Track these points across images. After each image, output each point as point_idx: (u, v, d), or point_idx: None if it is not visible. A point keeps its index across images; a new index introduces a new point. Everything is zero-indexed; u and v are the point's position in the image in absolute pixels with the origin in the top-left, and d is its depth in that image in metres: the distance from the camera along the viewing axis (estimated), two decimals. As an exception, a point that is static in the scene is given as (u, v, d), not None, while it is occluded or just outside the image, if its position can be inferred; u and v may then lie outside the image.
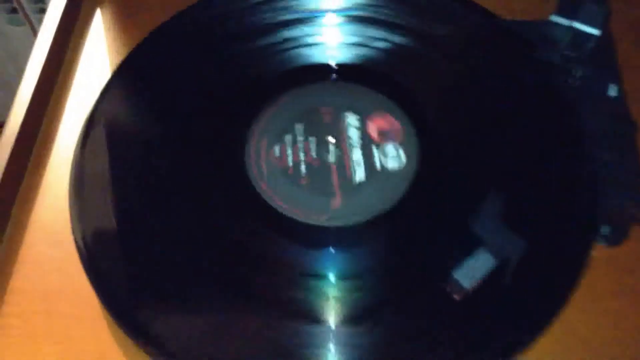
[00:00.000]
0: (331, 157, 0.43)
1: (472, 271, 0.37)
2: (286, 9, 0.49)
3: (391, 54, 0.46)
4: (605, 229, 0.40)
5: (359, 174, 0.42)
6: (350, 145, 0.43)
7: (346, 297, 0.37)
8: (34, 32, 0.93)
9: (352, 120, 0.44)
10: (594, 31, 0.45)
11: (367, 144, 0.43)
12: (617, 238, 0.40)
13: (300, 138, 0.43)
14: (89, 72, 0.50)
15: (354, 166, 0.42)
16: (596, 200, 0.40)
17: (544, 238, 0.38)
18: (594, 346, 0.37)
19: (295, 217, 0.40)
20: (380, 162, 0.42)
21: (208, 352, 0.36)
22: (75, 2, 0.53)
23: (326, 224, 0.40)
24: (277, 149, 0.43)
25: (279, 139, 0.43)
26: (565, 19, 0.46)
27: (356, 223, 0.40)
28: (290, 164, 0.42)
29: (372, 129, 0.44)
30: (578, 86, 0.45)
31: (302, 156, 0.43)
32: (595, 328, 0.38)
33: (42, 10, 0.89)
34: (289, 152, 0.43)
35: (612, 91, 0.45)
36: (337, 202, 0.41)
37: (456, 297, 0.37)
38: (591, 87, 0.45)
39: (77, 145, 0.43)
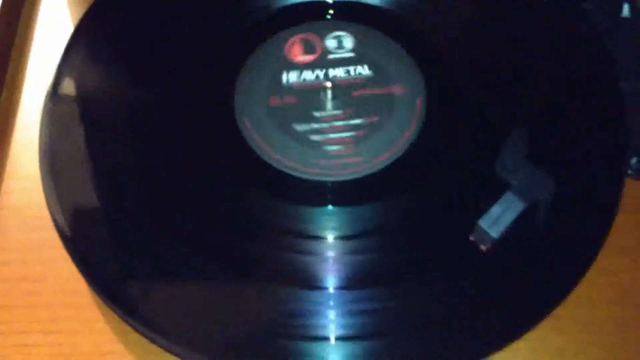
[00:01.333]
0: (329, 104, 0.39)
1: (499, 218, 0.33)
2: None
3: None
4: (634, 160, 0.37)
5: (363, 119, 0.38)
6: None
7: (355, 258, 0.34)
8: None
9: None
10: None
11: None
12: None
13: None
14: (49, 30, 0.45)
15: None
16: (625, 132, 0.36)
17: (574, 175, 0.35)
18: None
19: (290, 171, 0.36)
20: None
21: (201, 325, 0.32)
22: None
23: (328, 178, 0.36)
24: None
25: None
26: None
27: (363, 175, 0.36)
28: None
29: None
30: (593, 10, 0.41)
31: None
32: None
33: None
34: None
35: (626, 11, 0.42)
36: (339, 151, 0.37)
37: (483, 247, 0.33)
38: (605, 9, 0.42)
39: (42, 118, 0.38)
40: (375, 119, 0.38)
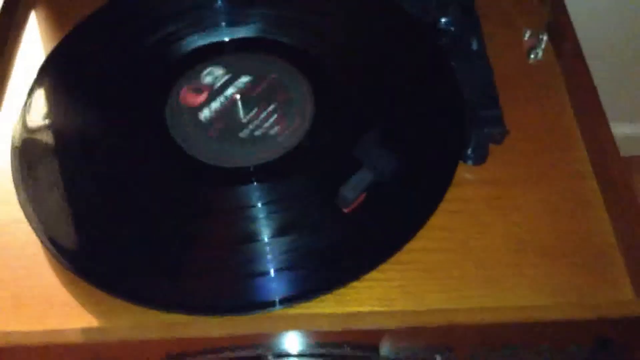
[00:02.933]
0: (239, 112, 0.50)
1: (354, 187, 0.44)
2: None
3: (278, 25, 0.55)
4: (469, 150, 0.48)
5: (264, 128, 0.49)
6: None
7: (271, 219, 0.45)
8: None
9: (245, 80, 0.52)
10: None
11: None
12: (480, 157, 0.48)
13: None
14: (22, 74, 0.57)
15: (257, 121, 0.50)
16: (462, 128, 0.48)
17: (417, 159, 0.46)
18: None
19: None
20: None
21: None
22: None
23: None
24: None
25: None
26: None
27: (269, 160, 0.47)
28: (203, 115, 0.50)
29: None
30: (448, 42, 0.54)
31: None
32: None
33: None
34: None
35: (475, 45, 0.54)
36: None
37: (344, 209, 0.44)
38: (457, 41, 0.54)
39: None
40: (284, 97, 0.50)
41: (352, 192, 0.44)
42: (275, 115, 0.50)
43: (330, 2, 0.57)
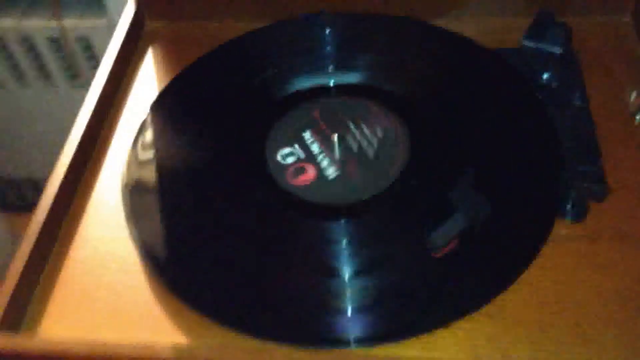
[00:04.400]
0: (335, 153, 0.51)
1: (447, 232, 0.44)
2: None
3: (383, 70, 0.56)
4: (568, 206, 0.47)
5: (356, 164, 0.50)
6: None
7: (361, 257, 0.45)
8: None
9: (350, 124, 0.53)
10: (558, 49, 0.54)
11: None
12: (579, 214, 0.47)
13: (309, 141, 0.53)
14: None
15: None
16: (560, 182, 0.47)
17: (512, 210, 0.46)
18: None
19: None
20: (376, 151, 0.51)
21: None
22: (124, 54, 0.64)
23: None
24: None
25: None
26: (534, 41, 0.55)
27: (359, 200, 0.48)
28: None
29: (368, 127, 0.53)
30: (548, 96, 0.53)
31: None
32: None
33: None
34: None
35: (577, 99, 0.53)
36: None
37: (435, 254, 0.44)
38: (560, 95, 0.53)
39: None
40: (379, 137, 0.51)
41: (444, 238, 0.43)
42: (369, 155, 0.51)
43: (425, 49, 0.58)
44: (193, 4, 0.66)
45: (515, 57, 0.55)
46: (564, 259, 0.45)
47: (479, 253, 0.44)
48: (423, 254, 0.44)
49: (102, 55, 0.60)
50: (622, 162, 0.50)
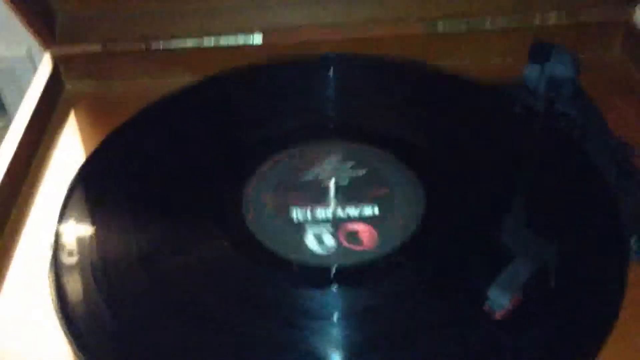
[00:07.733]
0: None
1: (508, 285, 0.32)
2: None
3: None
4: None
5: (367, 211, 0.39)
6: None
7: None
8: None
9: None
10: (568, 73, 0.46)
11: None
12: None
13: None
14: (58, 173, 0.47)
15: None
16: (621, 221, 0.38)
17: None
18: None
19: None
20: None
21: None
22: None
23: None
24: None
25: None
26: (539, 67, 0.47)
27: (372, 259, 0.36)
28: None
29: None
30: (567, 125, 0.45)
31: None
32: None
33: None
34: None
35: (595, 125, 0.45)
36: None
37: (497, 316, 0.32)
38: (579, 125, 0.45)
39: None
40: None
41: (507, 292, 0.32)
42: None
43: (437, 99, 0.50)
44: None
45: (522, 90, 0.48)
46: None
47: (551, 310, 0.33)
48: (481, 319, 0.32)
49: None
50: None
